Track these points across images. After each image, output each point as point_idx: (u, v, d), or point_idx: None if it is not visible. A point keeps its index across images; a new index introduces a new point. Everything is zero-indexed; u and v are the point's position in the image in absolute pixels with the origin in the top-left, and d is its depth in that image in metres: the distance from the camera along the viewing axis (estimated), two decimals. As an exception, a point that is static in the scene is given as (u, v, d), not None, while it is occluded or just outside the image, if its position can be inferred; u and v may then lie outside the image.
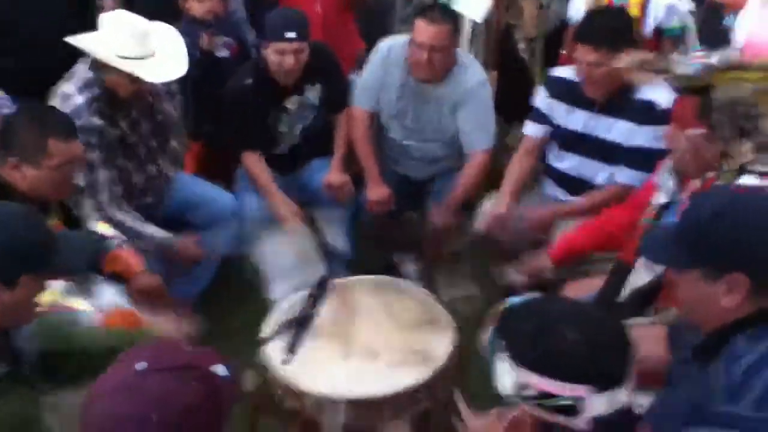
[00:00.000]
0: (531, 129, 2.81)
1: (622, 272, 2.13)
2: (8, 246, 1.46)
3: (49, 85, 2.52)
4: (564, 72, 2.70)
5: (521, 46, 3.37)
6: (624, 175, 2.57)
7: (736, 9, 2.92)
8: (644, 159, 2.49)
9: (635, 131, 2.51)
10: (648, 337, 1.71)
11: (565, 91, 2.66)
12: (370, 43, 3.22)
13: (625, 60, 2.26)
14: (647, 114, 2.47)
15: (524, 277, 2.43)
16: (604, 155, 2.62)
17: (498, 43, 3.33)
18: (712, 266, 1.33)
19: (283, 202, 2.87)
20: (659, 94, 2.44)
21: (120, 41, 2.37)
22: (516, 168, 2.80)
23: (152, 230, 2.51)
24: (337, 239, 2.91)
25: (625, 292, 2.12)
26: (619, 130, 2.55)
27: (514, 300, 1.71)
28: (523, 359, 1.26)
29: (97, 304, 2.03)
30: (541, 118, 2.77)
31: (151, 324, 2.00)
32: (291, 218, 2.82)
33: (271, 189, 2.90)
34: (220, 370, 1.15)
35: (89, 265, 2.14)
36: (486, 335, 1.59)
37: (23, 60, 2.90)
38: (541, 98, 2.77)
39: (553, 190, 2.81)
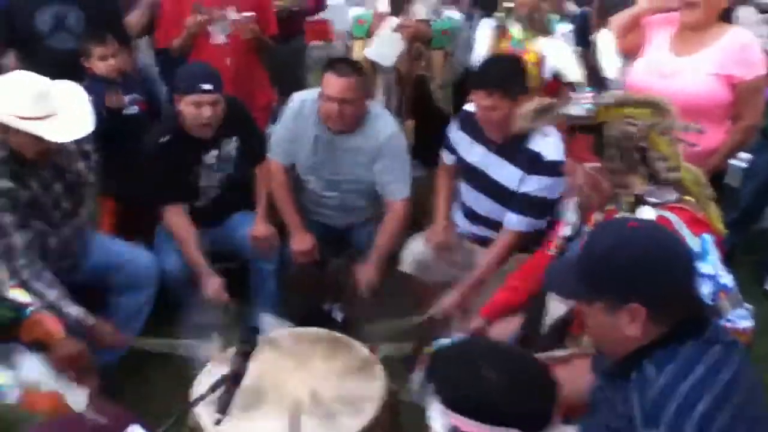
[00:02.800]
0: (444, 156, 2.96)
1: (538, 306, 2.22)
2: None
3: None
4: (472, 107, 2.79)
5: (436, 93, 3.50)
6: (514, 221, 2.67)
7: (625, 54, 3.14)
8: (530, 206, 2.63)
9: (523, 179, 2.64)
10: (573, 373, 1.80)
11: (470, 126, 2.78)
12: (283, 92, 3.27)
13: (523, 110, 2.36)
14: (534, 164, 2.60)
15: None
16: (496, 195, 2.73)
17: (413, 92, 3.44)
18: (612, 298, 1.40)
19: (201, 261, 2.85)
20: (546, 146, 2.58)
21: (19, 102, 2.31)
22: (441, 187, 2.97)
23: (71, 309, 2.41)
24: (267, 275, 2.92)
25: (545, 324, 2.20)
26: (510, 175, 2.67)
27: (442, 342, 1.74)
28: (450, 402, 1.29)
29: (18, 376, 1.94)
30: (450, 147, 2.91)
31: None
32: (209, 278, 2.81)
33: (190, 246, 2.87)
34: (135, 430, 1.12)
35: (6, 332, 2.06)
36: (417, 378, 1.62)
37: None
38: (452, 129, 2.91)
39: (459, 217, 2.91)
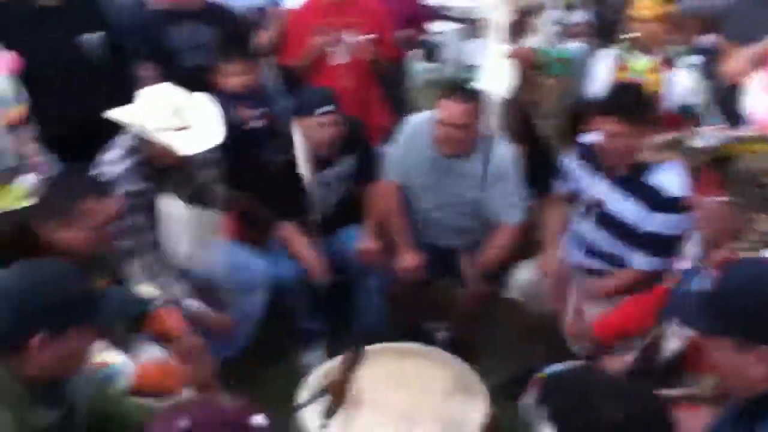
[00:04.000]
0: (559, 185, 2.93)
1: (655, 341, 2.15)
2: (59, 298, 1.52)
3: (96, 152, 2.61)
4: (592, 137, 2.77)
5: (545, 122, 3.47)
6: (640, 262, 2.61)
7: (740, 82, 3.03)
8: (655, 245, 2.56)
9: (647, 216, 2.57)
10: (692, 419, 1.73)
11: (589, 156, 2.74)
12: (391, 110, 3.32)
13: (649, 141, 2.32)
14: (657, 200, 2.54)
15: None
16: (613, 228, 2.67)
17: (521, 119, 3.44)
18: (741, 338, 1.35)
19: (315, 258, 2.94)
20: (670, 180, 2.51)
21: (159, 115, 2.45)
22: (551, 219, 2.93)
23: (191, 302, 2.54)
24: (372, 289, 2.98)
25: (660, 359, 2.13)
26: (630, 209, 2.61)
27: (554, 368, 1.72)
28: (564, 428, 1.27)
29: (137, 360, 2.06)
30: (566, 177, 2.88)
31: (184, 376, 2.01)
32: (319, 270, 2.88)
33: (304, 252, 2.97)
34: (259, 420, 1.18)
35: (132, 324, 2.20)
36: (527, 400, 1.60)
37: (70, 128, 3.03)
38: (568, 159, 2.88)
39: (571, 248, 2.86)
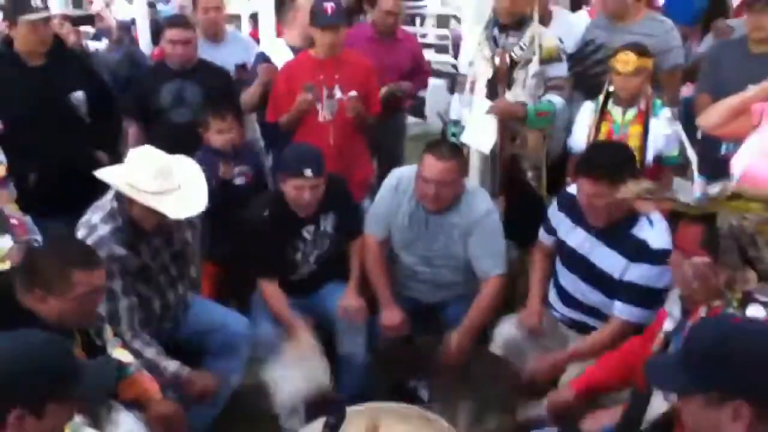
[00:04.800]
0: (542, 236, 2.95)
1: (639, 401, 2.12)
2: (37, 371, 1.48)
3: (76, 209, 2.62)
4: (574, 190, 2.77)
5: (528, 174, 3.50)
6: (623, 310, 2.59)
7: (729, 140, 3.05)
8: (637, 295, 2.54)
9: (627, 266, 2.56)
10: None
11: (571, 207, 2.75)
12: (382, 166, 3.35)
13: (628, 189, 2.33)
14: (639, 252, 2.53)
15: (546, 412, 2.41)
16: (596, 281, 2.66)
17: (505, 171, 3.46)
18: (716, 393, 1.34)
19: (296, 320, 2.91)
20: (653, 234, 2.52)
21: (144, 177, 2.45)
22: (537, 268, 2.95)
23: (167, 364, 2.51)
24: (355, 347, 2.95)
25: (645, 422, 2.10)
26: (612, 262, 2.60)
27: None
28: None
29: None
30: (549, 227, 2.89)
31: None
32: (302, 332, 2.85)
33: (284, 312, 2.94)
34: None
35: (109, 391, 2.16)
36: None
37: (52, 187, 3.05)
38: (552, 209, 2.90)
39: (554, 300, 2.85)
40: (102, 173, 2.54)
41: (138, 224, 2.54)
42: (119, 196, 2.52)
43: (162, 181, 2.46)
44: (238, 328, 2.87)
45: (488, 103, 3.37)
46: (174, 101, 3.66)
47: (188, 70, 3.69)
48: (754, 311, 1.86)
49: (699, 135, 3.58)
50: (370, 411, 2.37)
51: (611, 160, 2.59)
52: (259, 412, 3.01)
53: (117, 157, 3.14)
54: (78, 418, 1.94)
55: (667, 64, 3.57)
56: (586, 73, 3.72)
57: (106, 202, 2.56)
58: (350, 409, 2.31)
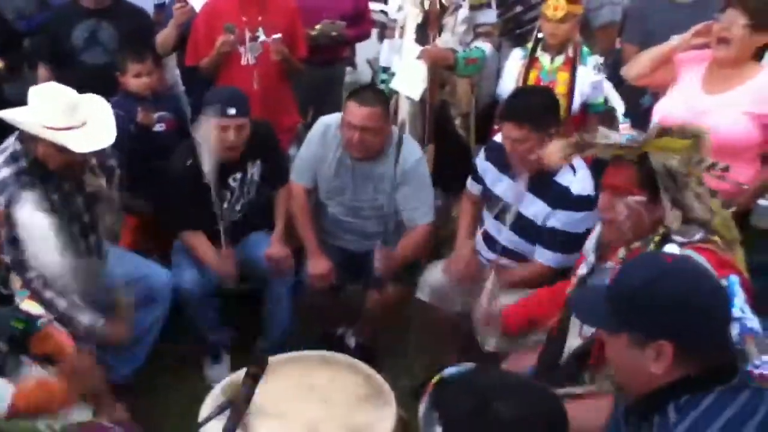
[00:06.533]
0: (470, 185, 2.95)
1: (556, 341, 2.17)
2: None
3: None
4: (500, 138, 2.77)
5: (457, 121, 3.48)
6: (545, 256, 2.63)
7: (654, 89, 3.09)
8: (558, 241, 2.58)
9: (549, 213, 2.60)
10: (587, 409, 1.74)
11: (497, 157, 2.76)
12: (315, 116, 3.28)
13: (555, 147, 2.33)
14: (561, 199, 2.56)
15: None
16: (520, 228, 2.68)
17: (434, 119, 3.43)
18: (640, 333, 1.36)
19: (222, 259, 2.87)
20: (575, 180, 2.55)
21: (48, 112, 2.35)
22: (465, 216, 2.98)
23: (81, 315, 2.41)
24: (282, 296, 2.92)
25: (564, 357, 2.15)
26: (536, 209, 2.63)
27: (449, 371, 1.70)
28: None
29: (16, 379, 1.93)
30: (476, 177, 2.89)
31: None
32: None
33: (209, 253, 2.88)
34: None
35: (17, 344, 2.06)
36: (422, 407, 1.58)
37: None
38: (479, 158, 2.90)
39: (481, 246, 2.87)
40: (2, 113, 2.38)
41: (44, 165, 2.40)
42: (22, 137, 2.39)
43: (67, 116, 2.34)
44: (159, 280, 2.79)
45: (418, 48, 3.31)
46: (87, 42, 3.44)
47: (103, 9, 3.46)
48: (670, 251, 1.90)
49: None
50: (296, 359, 2.34)
51: (534, 104, 2.60)
52: (183, 364, 2.96)
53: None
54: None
55: (601, 20, 3.57)
56: (514, 19, 3.69)
57: (9, 143, 2.42)
58: (276, 358, 2.28)
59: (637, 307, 1.36)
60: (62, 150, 2.35)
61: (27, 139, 2.39)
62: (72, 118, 2.37)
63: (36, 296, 2.30)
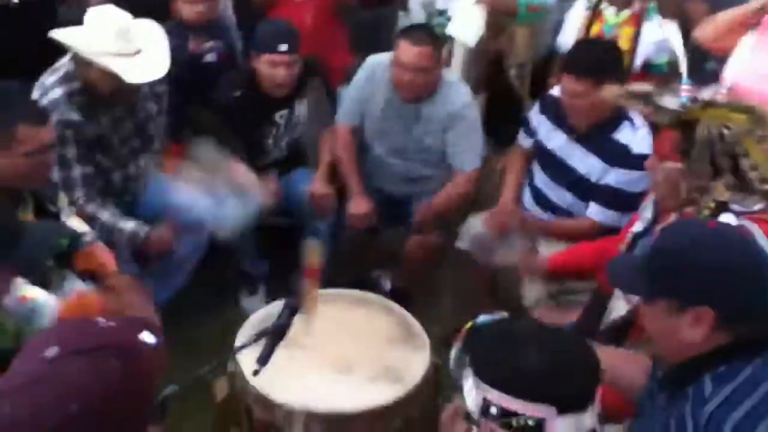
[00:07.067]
0: (521, 138, 2.89)
1: (600, 301, 2.13)
2: None
3: (36, 71, 2.48)
4: (557, 91, 2.71)
5: (512, 71, 3.40)
6: (597, 212, 2.58)
7: (721, 54, 2.96)
8: (613, 199, 2.52)
9: (606, 170, 2.54)
10: (625, 361, 1.71)
11: (553, 110, 2.69)
12: (363, 56, 3.23)
13: (609, 90, 2.27)
14: (619, 156, 2.50)
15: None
16: (572, 185, 2.64)
17: (489, 67, 3.35)
18: (678, 298, 1.34)
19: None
20: (635, 138, 2.49)
21: (103, 37, 2.34)
22: (513, 169, 2.90)
23: (124, 224, 2.45)
24: (321, 234, 2.90)
25: (604, 322, 2.11)
26: (591, 165, 2.57)
27: (482, 318, 1.70)
28: (485, 376, 1.25)
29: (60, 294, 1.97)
30: (529, 129, 2.82)
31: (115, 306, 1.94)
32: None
33: (251, 178, 2.81)
34: (146, 337, 1.07)
35: (61, 261, 2.10)
36: (454, 352, 1.58)
37: (7, 47, 2.86)
38: (533, 111, 2.83)
39: (528, 201, 2.83)
40: (58, 33, 2.38)
41: (96, 89, 2.41)
42: (76, 58, 2.39)
43: (122, 43, 2.34)
44: (201, 207, 2.79)
45: (477, -8, 3.21)
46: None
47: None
48: (725, 220, 1.84)
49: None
50: (333, 296, 2.34)
51: (597, 57, 2.53)
52: (220, 293, 3.00)
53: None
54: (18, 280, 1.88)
55: None
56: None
57: (63, 64, 2.43)
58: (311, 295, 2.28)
59: (674, 272, 1.34)
60: (115, 76, 2.34)
61: (81, 62, 2.38)
62: (127, 44, 2.36)
63: (81, 212, 2.34)
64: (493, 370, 1.24)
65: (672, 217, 1.99)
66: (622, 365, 1.65)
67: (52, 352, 1.00)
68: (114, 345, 1.03)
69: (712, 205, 1.88)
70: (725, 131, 1.84)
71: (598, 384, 1.25)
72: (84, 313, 1.95)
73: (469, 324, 1.63)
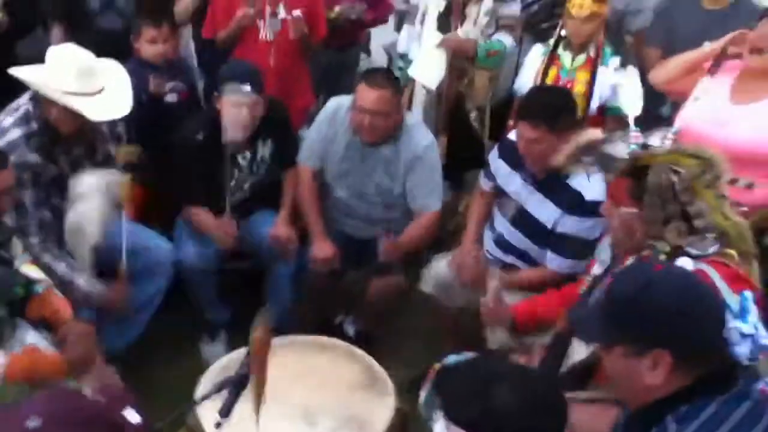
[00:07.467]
0: (482, 181, 2.91)
1: (561, 343, 2.14)
2: None
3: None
4: (514, 136, 2.73)
5: (472, 114, 3.44)
6: (555, 262, 2.59)
7: (676, 97, 3.04)
8: (569, 247, 2.54)
9: (561, 216, 2.55)
10: (590, 415, 1.72)
11: (510, 155, 2.71)
12: (325, 98, 3.25)
13: (560, 157, 2.29)
14: (574, 203, 2.52)
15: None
16: (530, 229, 2.65)
17: (449, 110, 3.39)
18: (635, 344, 1.34)
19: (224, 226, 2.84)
20: (589, 185, 2.50)
21: (65, 76, 2.32)
22: (475, 211, 2.92)
23: (81, 279, 2.39)
24: (283, 278, 2.89)
25: (565, 365, 2.12)
26: (548, 212, 2.59)
27: (451, 358, 1.70)
28: (456, 418, 1.25)
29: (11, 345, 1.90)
30: (489, 173, 2.85)
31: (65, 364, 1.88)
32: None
33: (210, 222, 2.86)
34: (130, 415, 1.04)
35: (14, 307, 2.03)
36: (424, 393, 1.56)
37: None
38: (492, 155, 2.86)
39: (488, 244, 2.84)
40: (18, 71, 2.34)
41: (56, 129, 2.38)
42: (36, 98, 2.36)
43: (84, 81, 2.32)
44: (161, 252, 2.76)
45: (439, 36, 3.27)
46: (104, 5, 3.40)
47: (119, -28, 3.42)
48: (682, 264, 1.87)
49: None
50: (295, 343, 2.31)
51: (551, 104, 2.55)
52: (180, 340, 2.94)
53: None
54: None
55: (638, 24, 3.50)
56: (538, 14, 3.63)
57: (22, 103, 2.39)
58: (275, 341, 2.24)
59: (628, 318, 1.35)
60: (77, 116, 2.32)
61: (41, 101, 2.35)
62: (89, 84, 2.34)
63: (36, 261, 2.28)
64: (463, 410, 1.25)
65: (630, 260, 2.03)
66: (591, 421, 1.65)
67: (33, 422, 0.97)
68: (100, 421, 1.02)
69: (668, 249, 1.92)
70: (674, 178, 1.88)
71: (565, 423, 1.26)
72: (33, 370, 1.88)
73: (438, 364, 1.63)
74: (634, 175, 1.94)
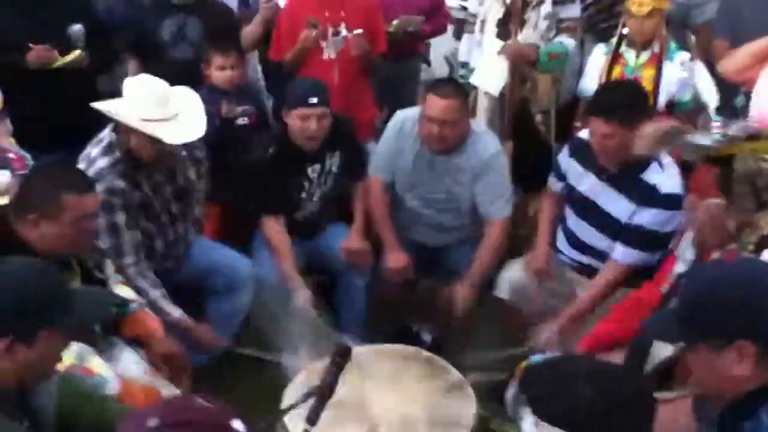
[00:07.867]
0: (552, 182, 2.91)
1: (643, 344, 2.11)
2: (24, 299, 1.46)
3: (76, 143, 2.59)
4: (585, 134, 2.75)
5: (537, 118, 3.44)
6: (621, 253, 2.58)
7: (749, 88, 2.96)
8: (643, 239, 2.53)
9: (635, 211, 2.55)
10: (671, 413, 1.69)
11: (582, 153, 2.72)
12: (391, 112, 3.30)
13: (643, 134, 2.27)
14: (649, 197, 2.51)
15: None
16: (604, 226, 2.64)
17: (513, 115, 3.40)
18: (716, 337, 1.33)
19: (294, 274, 2.89)
20: (664, 179, 2.50)
21: (142, 105, 2.43)
22: (545, 213, 2.92)
23: (171, 308, 2.50)
24: (358, 290, 2.95)
25: (648, 365, 2.09)
26: (621, 206, 2.59)
27: (537, 357, 1.71)
28: (543, 414, 1.26)
29: (118, 369, 2.00)
30: (559, 173, 2.85)
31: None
32: (300, 291, 2.84)
33: (285, 258, 2.91)
34: (237, 425, 1.12)
35: (109, 326, 2.14)
36: (510, 392, 1.58)
37: (50, 122, 2.98)
38: (562, 155, 2.86)
39: (562, 244, 2.83)
40: (99, 104, 2.48)
41: (137, 156, 2.49)
42: (117, 128, 2.48)
43: (160, 109, 2.42)
44: (241, 270, 2.85)
45: (499, 43, 3.29)
46: (175, 37, 3.54)
47: (190, 5, 3.56)
48: (766, 256, 1.83)
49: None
50: (375, 351, 2.35)
51: (623, 99, 2.57)
52: (261, 351, 3.00)
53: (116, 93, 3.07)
54: (77, 349, 1.92)
55: (705, 16, 3.44)
56: (598, 14, 3.60)
57: (105, 134, 2.52)
58: (357, 349, 2.28)
59: (706, 313, 1.34)
60: (155, 141, 2.42)
61: (122, 130, 2.47)
62: (165, 110, 2.44)
63: (129, 283, 2.39)
64: (549, 408, 1.26)
65: (716, 256, 1.99)
66: (671, 419, 1.63)
67: (153, 422, 1.08)
68: (207, 423, 1.10)
69: (754, 240, 1.88)
70: (764, 165, 1.85)
71: (652, 420, 1.26)
72: (143, 398, 1.98)
73: (524, 363, 1.64)
74: (719, 163, 1.91)
